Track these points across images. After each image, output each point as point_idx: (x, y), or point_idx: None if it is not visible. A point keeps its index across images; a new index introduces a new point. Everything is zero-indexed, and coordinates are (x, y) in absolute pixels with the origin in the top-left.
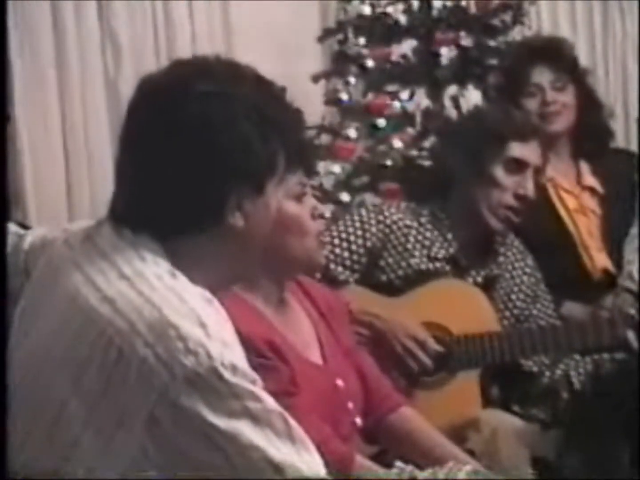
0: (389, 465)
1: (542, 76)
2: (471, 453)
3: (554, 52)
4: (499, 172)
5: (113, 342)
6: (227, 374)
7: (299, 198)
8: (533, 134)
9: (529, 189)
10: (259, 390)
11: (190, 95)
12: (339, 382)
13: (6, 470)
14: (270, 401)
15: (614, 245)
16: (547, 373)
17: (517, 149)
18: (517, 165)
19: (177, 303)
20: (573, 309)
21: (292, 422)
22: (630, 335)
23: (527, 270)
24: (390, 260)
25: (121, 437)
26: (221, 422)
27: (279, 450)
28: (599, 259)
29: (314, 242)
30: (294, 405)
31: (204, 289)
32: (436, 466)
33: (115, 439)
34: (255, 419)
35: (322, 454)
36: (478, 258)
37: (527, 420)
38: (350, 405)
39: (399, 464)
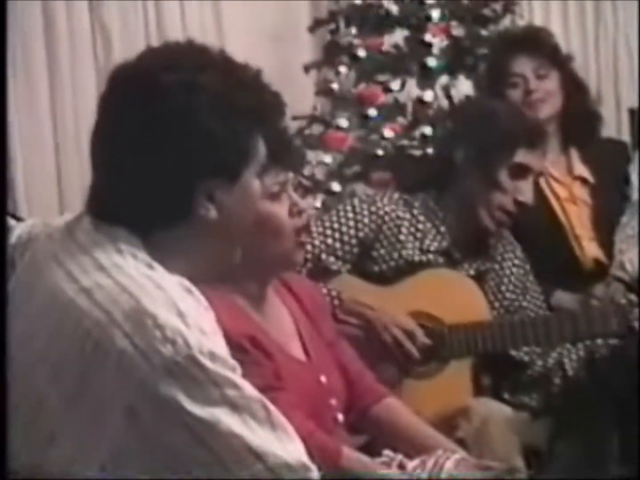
0: (377, 454)
1: (523, 65)
2: (462, 442)
3: (532, 41)
4: (503, 176)
5: (90, 334)
6: (205, 362)
7: (275, 197)
8: (541, 140)
9: (529, 196)
10: (238, 377)
11: (153, 87)
12: (322, 379)
13: (6, 470)
14: (249, 388)
15: (605, 234)
16: (539, 362)
17: (523, 155)
18: (521, 171)
19: (155, 292)
20: (563, 298)
21: (272, 408)
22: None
23: (517, 262)
24: (382, 251)
25: (101, 429)
26: (200, 410)
27: (259, 436)
28: (590, 249)
29: (291, 241)
30: (278, 400)
31: (183, 278)
32: (423, 455)
33: (95, 431)
34: (234, 406)
35: (309, 448)
36: (470, 251)
37: (517, 408)
38: (333, 401)
39: (387, 452)
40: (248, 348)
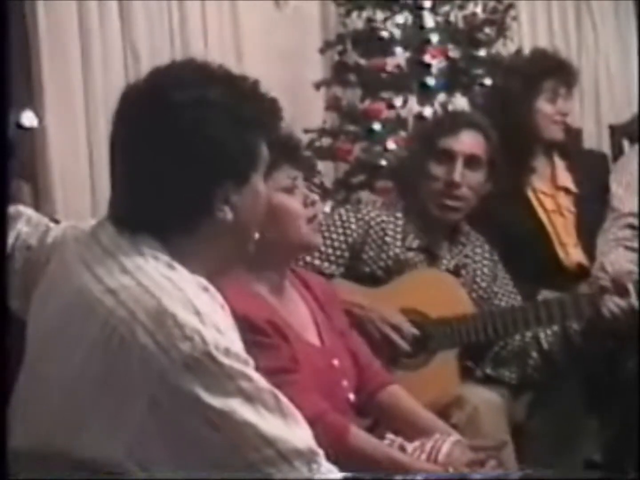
0: (380, 436)
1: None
2: (455, 427)
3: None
4: (431, 165)
5: (116, 331)
6: (220, 357)
7: (289, 190)
8: (462, 125)
9: (456, 174)
10: (250, 370)
11: (166, 106)
12: (335, 362)
13: (6, 471)
14: (261, 380)
15: (589, 239)
16: (517, 337)
17: (444, 141)
18: (446, 156)
19: (174, 292)
20: (548, 296)
21: (283, 398)
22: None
23: (486, 254)
24: (371, 253)
25: (126, 415)
26: (216, 401)
27: (270, 424)
28: (575, 254)
29: (307, 226)
30: (294, 382)
31: (201, 277)
32: (423, 437)
33: (121, 417)
34: (247, 397)
35: (321, 426)
36: (447, 247)
37: (499, 383)
38: (345, 383)
39: (389, 435)
40: (268, 332)
